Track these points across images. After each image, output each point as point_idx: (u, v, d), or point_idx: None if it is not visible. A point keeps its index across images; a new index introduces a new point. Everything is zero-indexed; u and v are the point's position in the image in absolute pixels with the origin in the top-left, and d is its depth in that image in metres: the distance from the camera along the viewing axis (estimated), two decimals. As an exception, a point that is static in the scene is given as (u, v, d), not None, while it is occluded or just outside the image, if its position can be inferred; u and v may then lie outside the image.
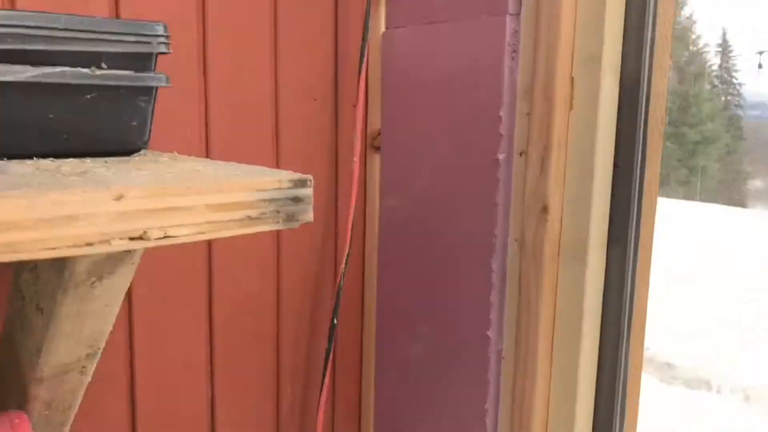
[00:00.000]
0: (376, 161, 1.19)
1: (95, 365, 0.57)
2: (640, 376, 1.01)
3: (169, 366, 1.00)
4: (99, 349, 0.54)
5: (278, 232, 1.10)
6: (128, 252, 0.44)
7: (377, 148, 1.19)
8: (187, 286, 1.00)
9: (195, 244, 0.99)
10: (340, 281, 1.13)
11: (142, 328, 0.96)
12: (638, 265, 0.95)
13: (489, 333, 1.04)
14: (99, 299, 0.47)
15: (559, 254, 0.96)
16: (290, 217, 0.45)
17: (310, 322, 1.17)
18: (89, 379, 0.60)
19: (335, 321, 1.13)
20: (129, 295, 0.94)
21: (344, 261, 1.12)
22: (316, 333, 1.18)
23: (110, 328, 0.53)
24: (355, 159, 1.10)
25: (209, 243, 1.01)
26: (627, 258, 0.94)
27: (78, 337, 0.50)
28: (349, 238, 1.11)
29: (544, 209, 0.94)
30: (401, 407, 1.20)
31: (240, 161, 1.05)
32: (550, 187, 0.93)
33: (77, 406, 0.64)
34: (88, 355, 0.54)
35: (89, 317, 0.49)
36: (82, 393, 0.62)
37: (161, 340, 0.99)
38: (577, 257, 0.94)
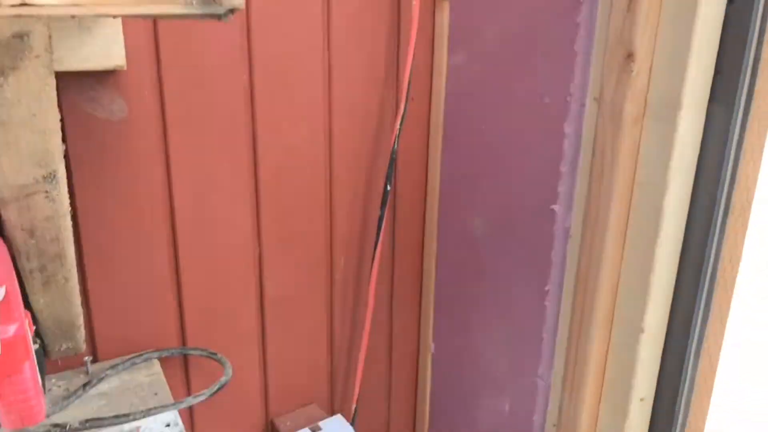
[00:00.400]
0: (444, 8, 1.04)
1: (62, 191, 0.53)
2: (736, 269, 0.84)
3: (213, 226, 0.97)
4: (54, 171, 0.50)
5: (329, 77, 0.99)
6: (18, 39, 0.37)
7: (446, -7, 1.03)
8: (228, 137, 0.94)
9: (233, 87, 0.92)
10: (394, 143, 1.02)
11: (182, 182, 0.92)
12: (747, 132, 0.76)
13: (555, 207, 0.91)
14: (18, 105, 0.41)
15: (644, 114, 0.79)
16: (209, -1, 0.35)
17: (366, 186, 1.09)
18: (63, 208, 0.56)
19: (388, 187, 1.05)
20: (165, 144, 0.90)
21: (399, 122, 1.01)
22: (373, 199, 1.11)
23: (57, 146, 0.48)
24: (414, 2, 0.96)
25: (251, 87, 0.93)
26: (733, 122, 0.76)
27: (18, 152, 0.45)
28: (404, 97, 1.00)
29: (629, 57, 0.77)
30: (462, 284, 1.12)
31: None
32: (637, 28, 0.75)
33: (68, 240, 0.62)
34: (45, 178, 0.50)
35: (18, 128, 0.43)
36: (64, 224, 0.59)
37: (203, 197, 0.95)
38: (666, 117, 0.76)
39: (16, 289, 0.56)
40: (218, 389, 0.88)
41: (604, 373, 0.89)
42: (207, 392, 0.87)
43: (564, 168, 0.89)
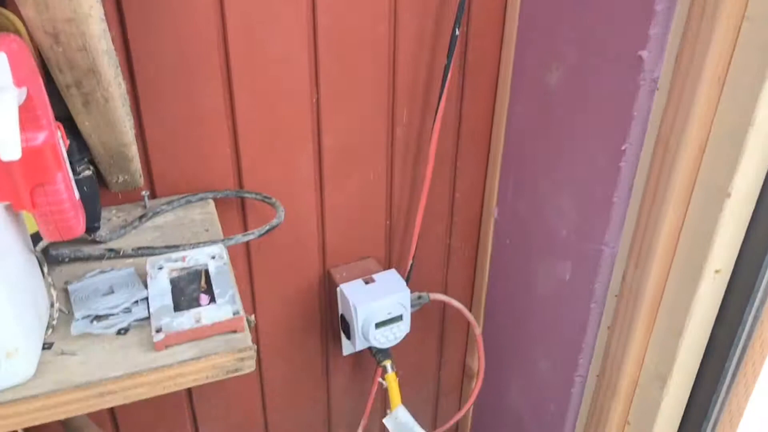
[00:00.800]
0: None
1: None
2: None
3: (268, 67, 0.92)
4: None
5: None
6: None
7: None
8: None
9: None
10: (466, -22, 0.91)
11: (236, 17, 0.87)
12: None
13: (643, 54, 0.79)
14: None
15: (766, -67, 0.65)
16: None
17: (434, 30, 1.00)
18: (84, 8, 0.52)
19: (457, 31, 0.95)
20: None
21: (473, -49, 0.90)
22: (441, 45, 1.02)
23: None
24: None
25: None
26: None
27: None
28: None
29: None
30: (532, 144, 1.04)
31: None
32: None
33: (98, 52, 0.59)
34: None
35: None
36: (89, 31, 0.55)
37: (258, 35, 0.89)
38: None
39: (42, 96, 0.55)
40: (268, 230, 0.88)
41: (677, 242, 0.81)
42: (257, 232, 0.87)
43: (659, 6, 0.76)
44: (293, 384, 1.23)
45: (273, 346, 1.16)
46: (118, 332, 0.69)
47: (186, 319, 0.68)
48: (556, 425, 1.12)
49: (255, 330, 1.13)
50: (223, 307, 0.69)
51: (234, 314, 0.69)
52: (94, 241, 0.84)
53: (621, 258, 0.90)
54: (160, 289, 0.72)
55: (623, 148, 0.84)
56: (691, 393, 0.90)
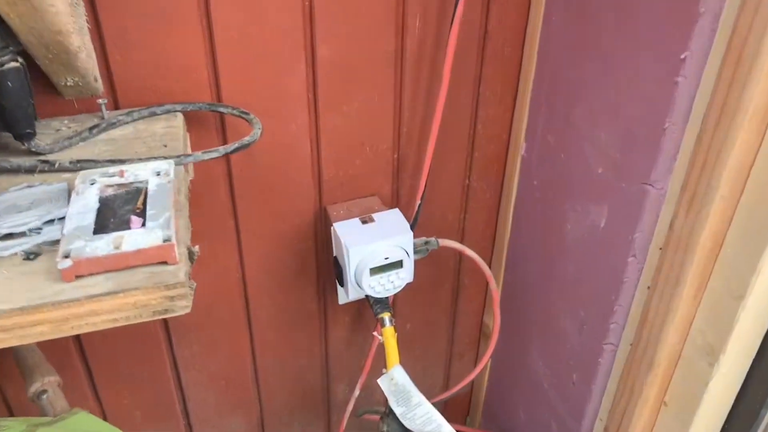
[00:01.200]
0: None
1: None
2: None
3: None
4: None
5: None
6: None
7: None
8: None
9: None
10: None
11: None
12: None
13: (720, -73, 0.59)
14: None
15: None
16: None
17: None
18: None
19: None
20: None
21: None
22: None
23: None
24: None
25: None
26: None
27: None
28: None
29: None
30: (571, 59, 0.85)
31: None
32: None
33: None
34: None
35: None
36: None
37: None
38: None
39: None
40: (236, 149, 0.73)
41: (746, 179, 0.62)
42: (221, 150, 0.72)
43: None
44: (286, 333, 1.11)
45: (261, 289, 1.04)
46: (27, 257, 0.56)
47: (103, 244, 0.54)
48: (580, 397, 0.96)
49: (240, 269, 1.00)
50: (152, 232, 0.56)
51: (164, 241, 0.55)
52: (30, 152, 0.71)
53: (669, 201, 0.72)
54: (83, 206, 0.59)
55: (683, 56, 0.65)
56: (749, 372, 0.73)
